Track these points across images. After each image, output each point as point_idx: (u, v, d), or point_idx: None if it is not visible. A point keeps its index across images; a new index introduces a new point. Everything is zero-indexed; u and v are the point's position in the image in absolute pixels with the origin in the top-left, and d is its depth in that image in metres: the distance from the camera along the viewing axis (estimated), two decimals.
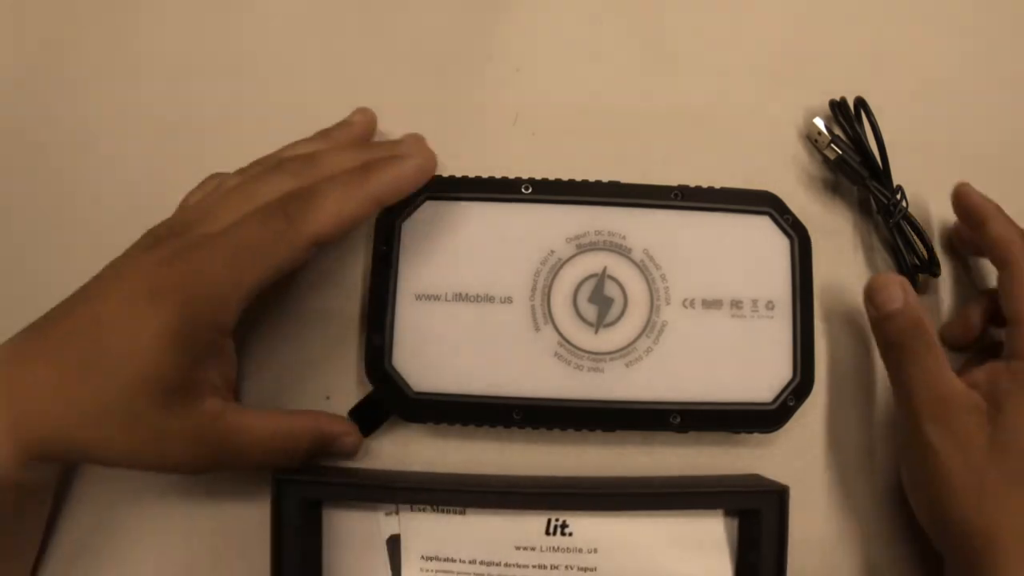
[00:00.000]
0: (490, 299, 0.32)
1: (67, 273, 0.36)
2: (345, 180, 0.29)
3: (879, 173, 0.35)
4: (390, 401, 0.32)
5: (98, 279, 0.29)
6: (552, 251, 0.32)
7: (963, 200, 0.34)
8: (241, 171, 0.32)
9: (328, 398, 0.34)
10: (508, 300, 0.32)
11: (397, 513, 0.32)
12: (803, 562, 0.33)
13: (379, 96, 0.38)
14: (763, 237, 0.33)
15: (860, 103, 0.36)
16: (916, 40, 0.40)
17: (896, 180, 0.35)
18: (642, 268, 0.32)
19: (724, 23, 0.39)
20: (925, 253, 0.35)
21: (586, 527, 0.32)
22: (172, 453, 0.28)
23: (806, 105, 0.38)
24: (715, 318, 0.32)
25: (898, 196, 0.35)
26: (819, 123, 0.36)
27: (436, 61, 0.39)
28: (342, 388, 0.34)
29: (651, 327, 0.32)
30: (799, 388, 0.32)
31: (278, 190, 0.29)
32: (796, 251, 0.33)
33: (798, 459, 0.34)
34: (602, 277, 0.32)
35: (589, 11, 0.39)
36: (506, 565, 0.32)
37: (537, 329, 0.32)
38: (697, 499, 0.32)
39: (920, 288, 0.36)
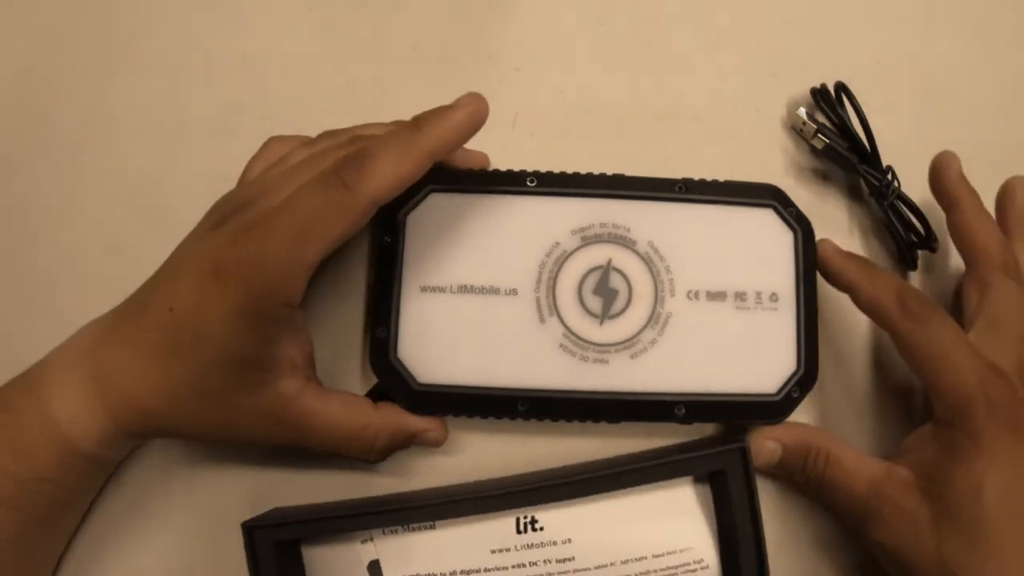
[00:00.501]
0: (495, 291, 0.32)
1: (67, 273, 0.37)
2: (397, 138, 0.28)
3: (868, 156, 0.36)
4: (395, 393, 0.31)
5: (170, 261, 0.30)
6: (557, 243, 0.32)
7: (822, 260, 0.33)
8: (306, 144, 0.32)
9: None
10: (513, 292, 0.32)
11: (372, 539, 0.32)
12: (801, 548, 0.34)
13: (379, 95, 0.38)
14: (767, 230, 0.33)
15: (841, 88, 0.36)
16: (908, 31, 0.40)
17: (888, 164, 0.36)
18: (647, 260, 0.32)
19: (718, 20, 0.40)
20: (922, 230, 0.35)
21: (556, 519, 0.32)
22: (246, 429, 0.29)
23: (791, 96, 0.38)
24: (719, 310, 0.32)
25: (889, 176, 0.35)
26: (802, 113, 0.37)
27: (436, 61, 0.39)
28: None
29: (656, 319, 0.32)
30: (803, 380, 0.32)
31: (334, 159, 0.29)
32: (799, 244, 0.33)
33: None
34: (607, 269, 0.32)
35: (583, 11, 0.40)
36: (486, 570, 0.32)
37: (542, 321, 0.32)
38: (659, 471, 0.31)
39: (919, 266, 0.36)
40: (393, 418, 0.31)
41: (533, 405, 0.31)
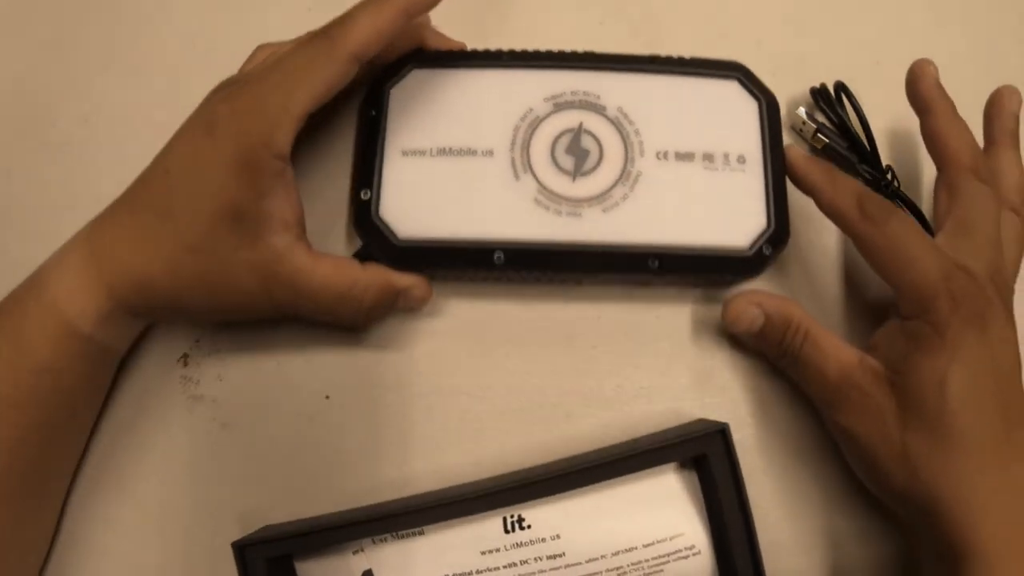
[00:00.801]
0: (472, 152, 0.34)
1: None
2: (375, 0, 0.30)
3: (867, 156, 0.36)
4: (378, 250, 0.33)
5: (168, 142, 0.31)
6: (530, 109, 0.34)
7: (789, 164, 0.33)
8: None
9: (328, 397, 0.35)
10: (489, 153, 0.34)
11: (363, 550, 0.32)
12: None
13: None
14: (732, 99, 0.35)
15: (840, 87, 0.37)
16: (908, 31, 0.41)
17: (888, 163, 0.36)
18: (616, 124, 0.34)
19: (718, 19, 0.41)
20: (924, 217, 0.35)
21: (543, 516, 0.32)
22: (240, 288, 0.30)
23: (790, 96, 0.38)
24: (688, 170, 0.34)
25: (889, 176, 0.36)
26: (802, 113, 0.37)
27: None
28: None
29: (626, 176, 0.33)
30: (774, 236, 0.33)
31: None
32: (764, 112, 0.35)
33: None
34: (578, 131, 0.34)
35: (584, 11, 0.40)
36: (477, 572, 0.32)
37: (517, 178, 0.33)
38: (642, 459, 0.31)
39: None
40: (380, 275, 0.32)
41: (509, 256, 0.32)
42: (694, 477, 0.32)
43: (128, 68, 0.39)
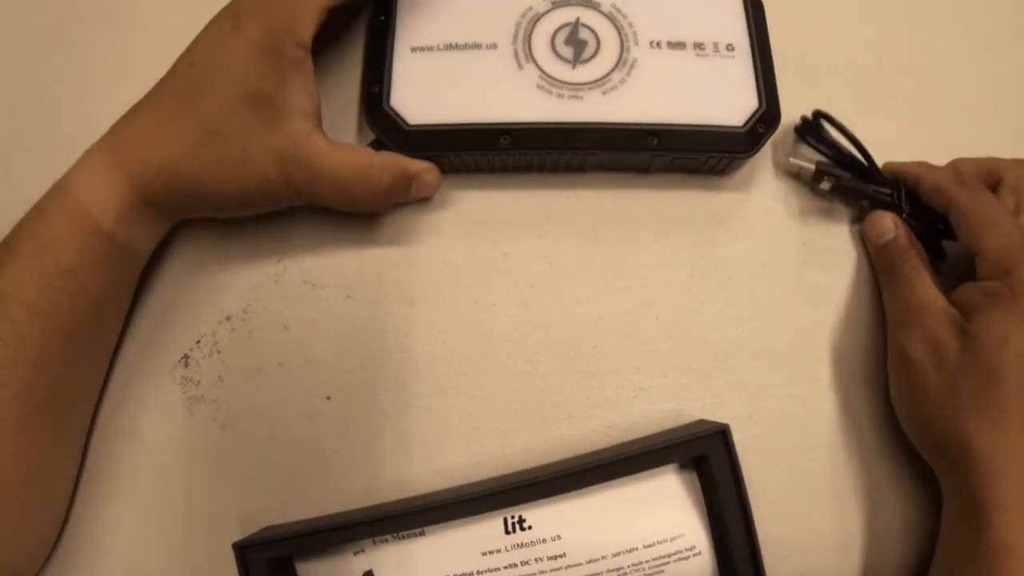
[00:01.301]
0: (477, 46, 0.35)
1: None
2: None
3: (870, 174, 0.36)
4: (389, 136, 0.34)
5: (195, 38, 0.32)
6: (530, 7, 0.36)
7: (895, 171, 0.37)
8: None
9: (329, 398, 0.35)
10: (493, 46, 0.35)
11: (364, 550, 0.32)
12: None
13: None
14: None
15: (819, 115, 0.36)
16: (908, 31, 0.41)
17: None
18: (611, 17, 0.36)
19: None
20: (941, 225, 0.35)
21: (543, 517, 0.32)
22: (260, 170, 0.30)
23: (790, 95, 0.37)
24: (681, 56, 0.36)
25: (896, 191, 0.36)
26: (797, 161, 0.37)
27: None
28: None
29: (623, 63, 0.35)
30: (766, 116, 0.35)
31: None
32: (748, 4, 0.37)
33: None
34: (576, 25, 0.36)
35: None
36: (478, 573, 0.32)
37: (520, 67, 0.35)
38: (643, 460, 0.31)
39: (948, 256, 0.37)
40: (395, 159, 0.33)
41: (515, 137, 0.34)
42: (694, 478, 0.32)
43: (128, 68, 0.39)
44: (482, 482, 0.33)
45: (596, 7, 0.36)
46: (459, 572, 0.32)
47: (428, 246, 0.36)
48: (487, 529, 0.32)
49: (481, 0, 0.36)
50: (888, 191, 0.36)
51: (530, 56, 0.35)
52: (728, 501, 0.31)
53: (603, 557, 0.32)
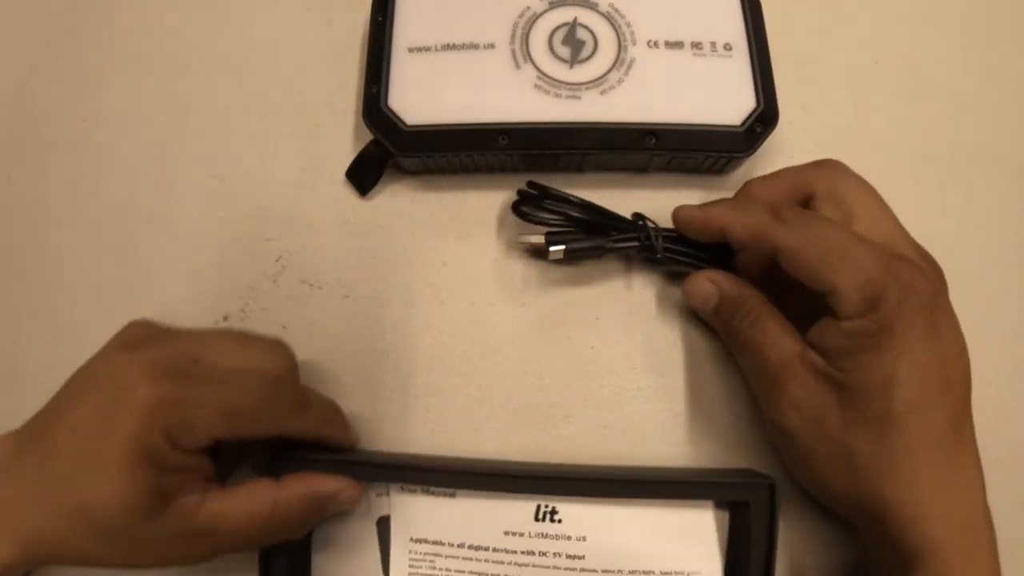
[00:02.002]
0: (474, 46, 0.35)
1: (67, 272, 0.37)
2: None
3: (604, 225, 0.33)
4: (388, 137, 0.34)
5: (75, 378, 0.28)
6: (527, 7, 0.36)
7: (687, 224, 0.32)
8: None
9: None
10: (491, 46, 0.35)
11: (388, 494, 0.32)
12: None
13: None
14: None
15: (531, 185, 0.34)
16: (908, 31, 0.41)
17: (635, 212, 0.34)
18: (608, 17, 0.36)
19: None
20: (702, 253, 0.33)
21: (575, 514, 0.32)
22: (156, 553, 0.27)
23: (789, 96, 0.37)
24: (679, 56, 0.36)
25: (642, 223, 0.33)
26: (527, 239, 0.34)
27: None
28: (341, 135, 0.37)
29: (621, 63, 0.35)
30: (764, 115, 0.35)
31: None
32: (746, 3, 0.37)
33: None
34: (573, 24, 0.36)
35: None
36: (494, 550, 0.31)
37: (518, 67, 0.35)
38: (687, 489, 0.31)
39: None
40: (299, 486, 0.29)
41: (513, 137, 0.34)
42: (725, 518, 0.32)
43: (128, 68, 0.40)
44: (526, 463, 0.33)
45: (594, 7, 0.36)
46: (476, 543, 0.31)
47: (426, 246, 0.36)
48: (517, 510, 0.31)
49: (479, 0, 0.36)
50: (635, 239, 0.33)
51: (528, 56, 0.35)
52: (755, 554, 0.30)
53: (619, 571, 0.31)
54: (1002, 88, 0.40)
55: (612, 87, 0.35)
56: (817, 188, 0.30)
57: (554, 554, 0.31)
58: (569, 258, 0.34)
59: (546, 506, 0.31)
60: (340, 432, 0.31)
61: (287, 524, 0.29)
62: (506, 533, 0.31)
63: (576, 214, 0.33)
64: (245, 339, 0.29)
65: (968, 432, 0.28)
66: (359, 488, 0.30)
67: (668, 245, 0.33)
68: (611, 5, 0.36)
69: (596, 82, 0.35)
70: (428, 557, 0.32)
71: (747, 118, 0.35)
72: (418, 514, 0.31)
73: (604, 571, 0.31)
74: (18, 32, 0.40)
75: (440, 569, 0.32)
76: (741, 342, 0.31)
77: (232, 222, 0.37)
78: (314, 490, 0.29)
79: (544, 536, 0.31)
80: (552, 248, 0.33)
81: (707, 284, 0.32)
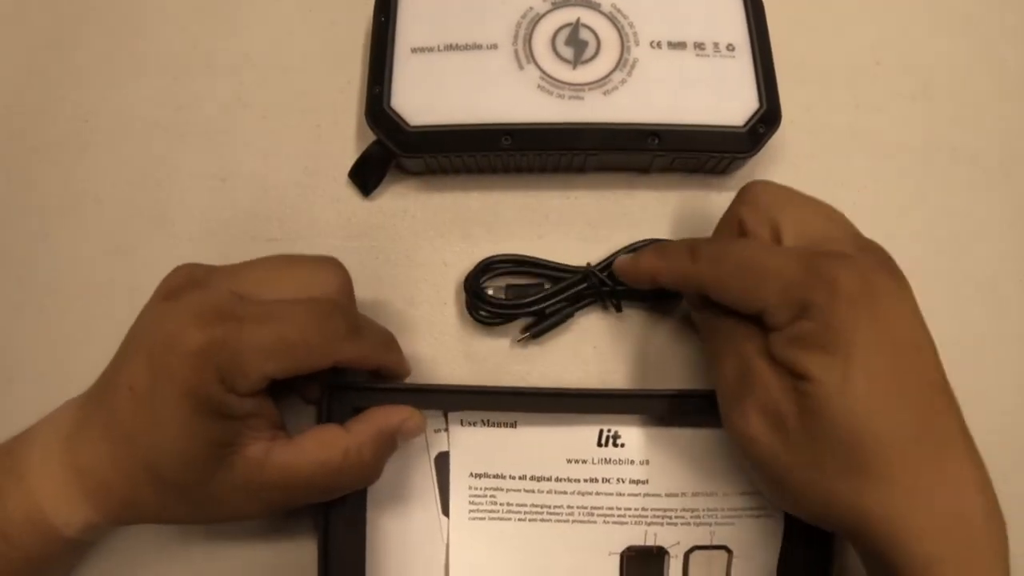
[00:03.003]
0: (477, 47, 0.35)
1: (68, 272, 0.37)
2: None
3: (561, 287, 0.34)
4: (391, 138, 0.34)
5: (130, 333, 0.28)
6: (531, 8, 0.36)
7: (623, 275, 0.32)
8: None
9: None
10: (493, 47, 0.35)
11: (447, 429, 0.32)
12: None
13: None
14: None
15: (483, 264, 0.34)
16: (909, 32, 0.41)
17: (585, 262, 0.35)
18: (611, 18, 0.36)
19: None
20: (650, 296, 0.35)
21: (638, 438, 0.32)
22: (231, 507, 0.27)
23: (789, 96, 0.36)
24: (682, 57, 0.36)
25: (597, 275, 0.34)
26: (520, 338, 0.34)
27: None
28: (345, 135, 0.37)
29: (624, 63, 0.35)
30: (767, 116, 0.35)
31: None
32: (749, 3, 0.37)
33: None
34: (576, 25, 0.36)
35: None
36: (557, 479, 0.31)
37: (521, 68, 0.35)
38: None
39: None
40: (368, 427, 0.29)
41: (516, 137, 0.34)
42: None
43: (128, 68, 0.39)
44: (590, 389, 0.32)
45: (596, 7, 0.36)
46: (539, 474, 0.31)
47: (428, 246, 0.36)
48: (580, 436, 0.31)
49: (481, 1, 0.36)
50: (588, 293, 0.34)
51: (531, 57, 0.35)
52: None
53: (683, 494, 0.31)
54: (1004, 90, 0.40)
55: (615, 88, 0.35)
56: (744, 217, 0.29)
57: (617, 480, 0.31)
58: (531, 334, 0.34)
59: (609, 431, 0.31)
60: (397, 360, 0.31)
61: (361, 469, 0.28)
62: (569, 461, 0.31)
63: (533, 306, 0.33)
64: (291, 263, 0.29)
65: (951, 426, 0.25)
66: (423, 416, 0.29)
67: (623, 300, 0.34)
68: (614, 6, 0.36)
69: (599, 83, 0.35)
70: (489, 492, 0.32)
71: (750, 119, 0.35)
72: (478, 448, 0.31)
73: (667, 494, 0.31)
74: (19, 32, 0.40)
75: (501, 504, 0.31)
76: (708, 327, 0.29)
77: (234, 222, 0.36)
78: (383, 426, 0.28)
79: (607, 462, 0.31)
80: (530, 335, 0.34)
81: (645, 259, 0.30)
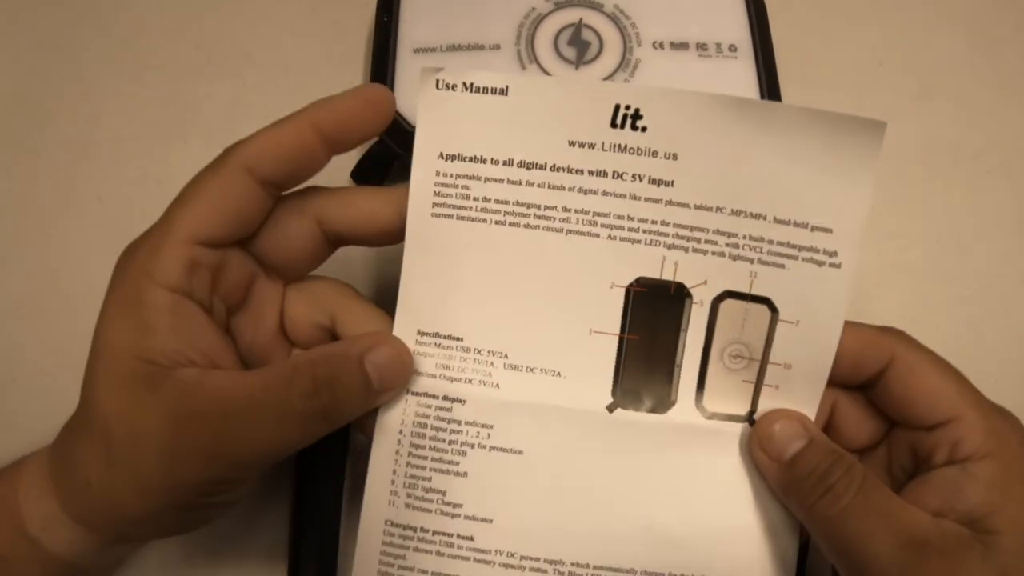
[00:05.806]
0: (480, 47, 0.35)
1: (68, 273, 0.36)
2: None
3: None
4: (393, 138, 0.34)
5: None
6: (533, 8, 0.36)
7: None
8: None
9: None
10: (496, 47, 0.35)
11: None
12: None
13: None
14: None
15: None
16: (910, 32, 0.41)
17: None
18: (614, 18, 0.36)
19: None
20: None
21: (667, 121, 0.23)
22: (190, 468, 0.23)
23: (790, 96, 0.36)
24: (684, 58, 0.36)
25: None
26: None
27: None
28: None
29: (626, 63, 0.35)
30: None
31: None
32: (751, 4, 0.37)
33: None
34: (579, 26, 0.36)
35: None
36: (553, 168, 0.24)
37: (523, 68, 0.35)
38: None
39: None
40: (327, 348, 0.25)
41: None
42: None
43: (130, 68, 0.39)
44: None
45: (599, 8, 0.36)
46: (530, 159, 0.24)
47: None
48: (588, 111, 0.24)
49: (484, 1, 0.36)
50: None
51: (533, 57, 0.35)
52: None
53: (717, 209, 0.24)
54: (1006, 91, 0.40)
55: None
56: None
57: (633, 176, 0.24)
58: None
59: (628, 108, 0.23)
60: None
61: (317, 399, 0.22)
62: (571, 144, 0.24)
63: None
64: None
65: None
66: (402, 349, 0.24)
67: None
68: (616, 6, 0.36)
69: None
70: (460, 181, 0.25)
71: None
72: (455, 118, 0.24)
73: (697, 207, 0.24)
74: (19, 32, 0.40)
75: (476, 199, 0.24)
76: (845, 508, 0.22)
77: None
78: (343, 350, 0.24)
79: (621, 149, 0.24)
80: None
81: (795, 423, 0.23)
